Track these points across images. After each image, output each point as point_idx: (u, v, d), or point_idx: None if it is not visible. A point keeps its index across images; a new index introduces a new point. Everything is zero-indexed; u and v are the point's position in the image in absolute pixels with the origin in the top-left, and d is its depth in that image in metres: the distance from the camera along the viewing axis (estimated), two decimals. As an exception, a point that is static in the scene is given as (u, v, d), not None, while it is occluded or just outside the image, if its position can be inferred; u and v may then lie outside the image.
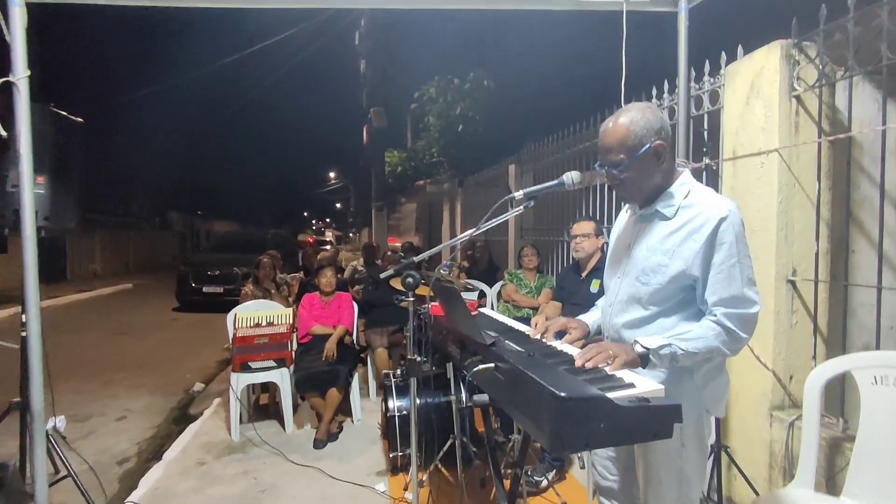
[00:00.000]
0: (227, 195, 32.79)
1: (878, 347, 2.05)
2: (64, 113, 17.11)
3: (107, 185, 19.53)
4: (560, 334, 1.66)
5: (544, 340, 1.64)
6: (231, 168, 32.67)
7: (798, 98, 2.30)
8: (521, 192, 1.67)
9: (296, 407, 4.01)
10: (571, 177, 1.64)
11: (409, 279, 1.72)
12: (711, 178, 2.81)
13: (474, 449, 2.89)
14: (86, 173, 18.25)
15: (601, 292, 3.07)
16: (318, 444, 3.56)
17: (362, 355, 4.68)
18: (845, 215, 2.42)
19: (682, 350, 1.35)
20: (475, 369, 1.43)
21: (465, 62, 9.70)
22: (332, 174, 40.84)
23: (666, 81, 3.25)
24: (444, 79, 9.84)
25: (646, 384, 1.17)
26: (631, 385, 1.17)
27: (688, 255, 1.44)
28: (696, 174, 2.97)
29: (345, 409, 3.96)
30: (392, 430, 2.97)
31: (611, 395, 1.11)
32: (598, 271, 3.13)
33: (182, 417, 4.52)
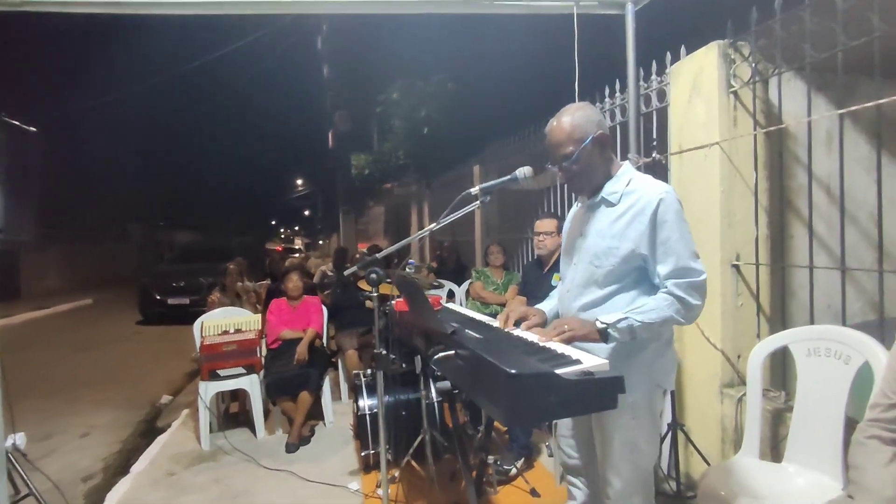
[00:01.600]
0: (190, 205, 31.91)
1: (812, 323, 2.21)
2: (16, 122, 16.40)
3: (62, 197, 18.77)
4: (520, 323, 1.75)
5: (505, 329, 1.72)
6: (194, 177, 31.76)
7: (735, 94, 2.45)
8: (477, 187, 1.75)
9: (267, 413, 3.99)
10: (524, 171, 1.73)
11: (373, 275, 1.78)
12: (660, 172, 2.96)
13: (444, 443, 2.95)
14: (40, 185, 17.51)
15: (562, 285, 3.22)
16: (291, 447, 3.56)
17: (333, 360, 4.68)
18: (783, 203, 2.60)
19: (639, 321, 1.45)
20: (436, 357, 1.49)
21: (427, 65, 9.79)
22: (299, 181, 40.31)
23: (617, 81, 3.39)
24: (407, 82, 9.91)
25: (591, 360, 1.25)
26: (577, 361, 1.25)
27: (635, 236, 1.55)
28: (647, 169, 3.13)
29: (316, 413, 3.97)
30: (363, 429, 3.01)
31: (558, 370, 1.19)
32: (558, 265, 3.24)
33: (149, 430, 4.42)
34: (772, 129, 2.44)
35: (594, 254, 1.63)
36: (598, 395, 1.19)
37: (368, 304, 4.66)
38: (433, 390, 2.92)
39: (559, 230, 3.28)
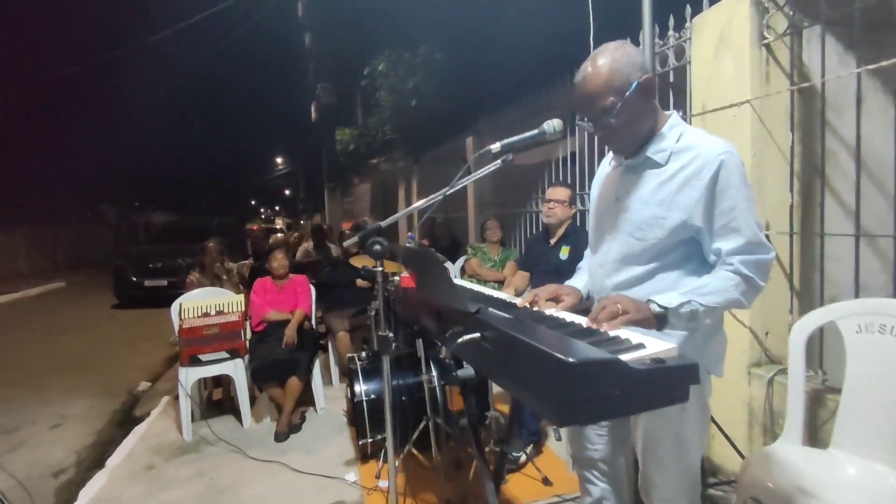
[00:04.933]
0: (166, 185, 30.91)
1: (857, 296, 2.03)
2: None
3: (28, 176, 17.90)
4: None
5: (535, 308, 1.49)
6: (170, 155, 30.68)
7: (768, 47, 2.23)
8: (498, 144, 1.50)
9: (253, 400, 3.74)
10: (553, 124, 1.49)
11: (377, 246, 1.53)
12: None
13: (448, 430, 2.75)
14: (1, 163, 16.65)
15: (572, 258, 3.00)
16: (280, 437, 3.33)
17: (322, 342, 4.44)
18: (812, 168, 2.41)
19: (703, 306, 1.23)
20: (459, 340, 1.26)
21: (416, 33, 9.37)
22: (279, 160, 39.36)
23: (629, 40, 3.14)
24: (393, 53, 9.48)
25: (657, 344, 1.04)
26: (641, 346, 1.03)
27: (687, 204, 1.32)
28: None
29: (306, 398, 3.73)
30: (360, 416, 2.79)
31: (623, 357, 0.97)
32: (568, 237, 3.04)
33: (126, 420, 4.15)
34: (807, 85, 2.23)
35: (635, 224, 1.40)
36: (669, 386, 0.98)
37: (360, 282, 4.41)
38: (435, 373, 2.71)
39: (572, 201, 3.07)
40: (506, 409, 3.28)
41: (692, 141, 1.36)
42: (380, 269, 1.59)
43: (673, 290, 1.29)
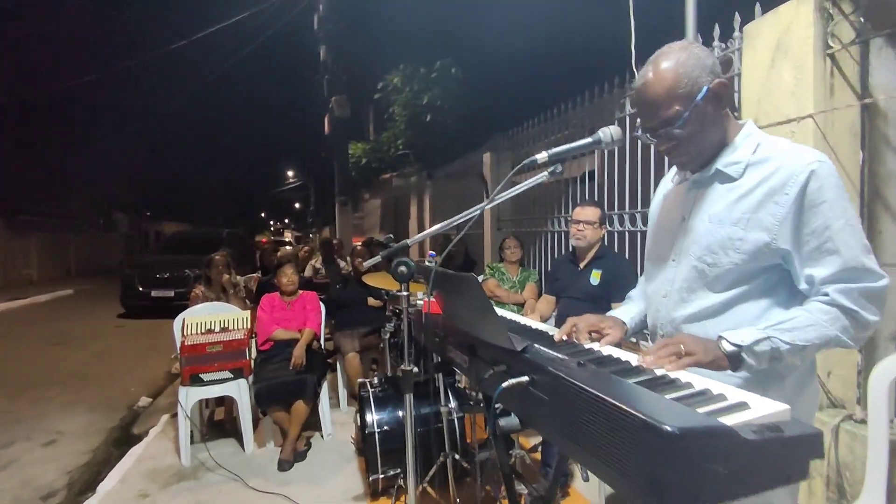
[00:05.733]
0: (178, 194, 31.10)
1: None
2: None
3: (43, 183, 17.99)
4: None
5: (578, 343, 1.28)
6: (183, 165, 30.93)
7: (832, 57, 2.03)
8: (545, 153, 1.31)
9: (256, 422, 3.53)
10: (610, 132, 1.29)
11: (403, 267, 1.33)
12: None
13: (465, 465, 2.52)
14: (18, 169, 16.73)
15: (604, 283, 2.78)
16: (284, 465, 3.11)
17: (330, 360, 4.23)
18: (873, 192, 2.19)
19: (788, 343, 1.02)
20: (504, 385, 1.05)
21: (430, 50, 9.32)
22: (290, 172, 39.56)
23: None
24: (409, 67, 9.42)
25: (764, 404, 0.82)
26: (742, 405, 0.82)
27: (770, 224, 1.11)
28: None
29: (312, 422, 3.51)
30: (371, 449, 2.56)
31: (725, 420, 0.75)
32: (598, 261, 2.82)
33: (123, 438, 3.95)
34: (872, 100, 2.02)
35: (705, 247, 1.19)
36: (785, 461, 0.76)
37: (372, 301, 4.21)
38: (453, 405, 2.49)
39: (602, 221, 2.86)
40: (528, 442, 3.04)
41: (773, 151, 1.16)
42: (405, 293, 1.39)
43: (753, 325, 1.09)
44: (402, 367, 1.42)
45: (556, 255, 4.48)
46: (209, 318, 3.51)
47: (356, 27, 11.34)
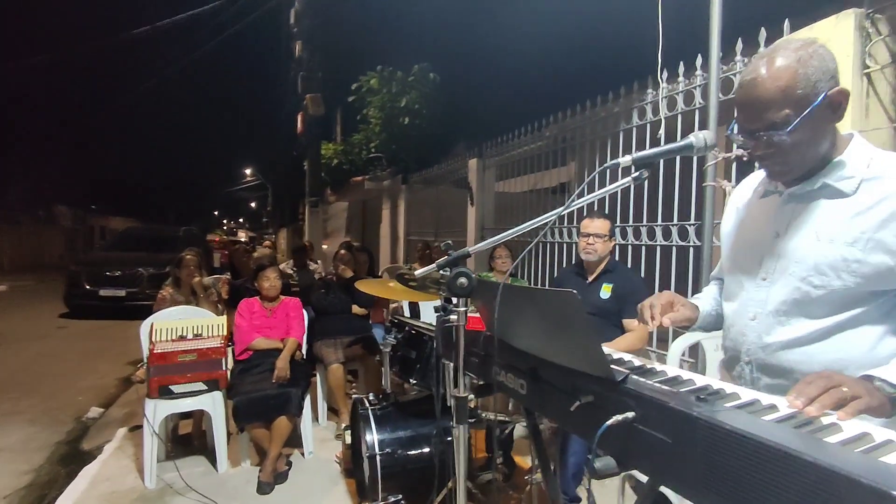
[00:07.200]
0: (127, 189, 29.55)
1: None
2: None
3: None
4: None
5: (664, 370, 1.14)
6: (134, 159, 29.48)
7: (869, 77, 2.01)
8: (629, 157, 1.17)
9: (228, 436, 3.22)
10: (703, 137, 1.17)
11: (463, 279, 1.16)
12: (746, 170, 2.49)
13: (476, 492, 2.34)
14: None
15: (615, 297, 2.69)
16: (264, 487, 2.83)
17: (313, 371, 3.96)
18: None
19: None
20: (608, 423, 0.90)
21: (408, 54, 9.18)
22: (248, 171, 38.36)
23: (682, 64, 2.94)
24: (386, 69, 9.24)
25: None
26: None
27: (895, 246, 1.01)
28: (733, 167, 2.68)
29: (292, 439, 3.23)
30: (372, 472, 2.34)
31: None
32: (608, 275, 2.73)
33: (72, 455, 3.53)
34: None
35: (811, 267, 1.09)
36: None
37: (357, 309, 3.98)
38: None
39: (611, 233, 2.76)
40: (524, 463, 2.89)
41: (890, 167, 1.07)
42: (463, 308, 1.21)
43: (873, 354, 1.00)
44: (456, 393, 1.25)
45: (546, 266, 4.40)
46: (180, 323, 3.19)
47: (332, 25, 11.05)
